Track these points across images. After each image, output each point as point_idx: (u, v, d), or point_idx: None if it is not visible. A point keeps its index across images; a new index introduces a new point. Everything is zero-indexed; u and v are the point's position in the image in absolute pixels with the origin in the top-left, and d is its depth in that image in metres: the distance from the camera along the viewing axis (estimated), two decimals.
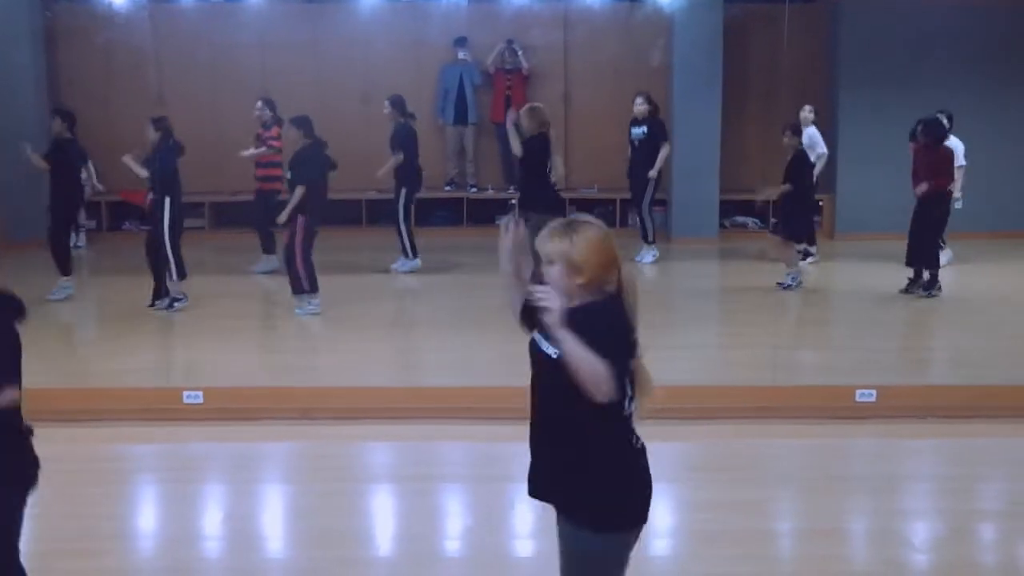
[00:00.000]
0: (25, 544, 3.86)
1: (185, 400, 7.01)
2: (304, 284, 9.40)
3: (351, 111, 13.65)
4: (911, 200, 11.85)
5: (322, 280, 9.60)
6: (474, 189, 14.17)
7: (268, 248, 11.38)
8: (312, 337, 9.27)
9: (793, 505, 5.88)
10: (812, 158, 11.14)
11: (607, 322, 3.21)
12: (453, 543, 5.47)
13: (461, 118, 13.92)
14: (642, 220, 11.87)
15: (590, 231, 3.28)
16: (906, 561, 5.19)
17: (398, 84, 13.72)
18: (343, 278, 9.90)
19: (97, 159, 13.69)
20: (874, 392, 7.03)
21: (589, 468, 3.28)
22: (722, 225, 13.56)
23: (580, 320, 3.13)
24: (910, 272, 10.20)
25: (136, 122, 13.68)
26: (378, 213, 13.31)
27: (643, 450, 3.37)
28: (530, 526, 5.66)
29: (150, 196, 9.54)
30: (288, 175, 9.54)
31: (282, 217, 9.34)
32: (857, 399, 7.02)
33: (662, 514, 5.95)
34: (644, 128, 11.65)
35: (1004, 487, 6.23)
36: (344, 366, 8.16)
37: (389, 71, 13.84)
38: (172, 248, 9.39)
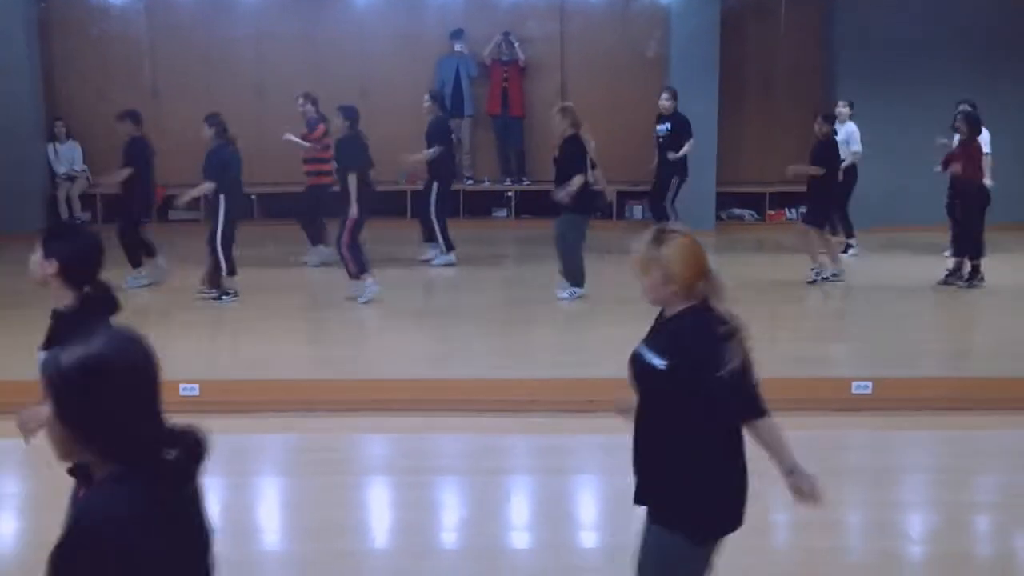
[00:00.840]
0: (20, 539, 3.86)
1: (181, 392, 6.99)
2: (352, 269, 9.51)
3: (348, 103, 13.60)
4: (908, 191, 11.87)
5: (325, 271, 9.58)
6: (470, 181, 14.14)
7: (316, 239, 11.35)
8: (306, 330, 9.26)
9: (789, 496, 5.88)
10: (846, 154, 11.25)
11: (706, 341, 3.29)
12: (449, 535, 5.47)
13: (457, 110, 13.88)
14: (665, 215, 11.95)
15: (679, 240, 3.38)
16: (902, 552, 5.19)
17: (394, 76, 13.73)
18: (339, 271, 9.89)
19: (92, 151, 13.70)
20: (870, 384, 7.03)
21: (695, 478, 3.36)
22: (719, 217, 13.55)
23: (676, 336, 3.33)
24: (948, 264, 10.29)
25: None
26: (377, 205, 13.25)
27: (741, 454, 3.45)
28: (526, 518, 5.66)
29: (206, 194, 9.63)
30: (335, 164, 9.57)
31: (354, 210, 9.37)
32: (853, 391, 7.02)
33: None
34: (668, 124, 11.65)
35: (1000, 479, 6.23)
36: (340, 359, 8.15)
37: (385, 63, 13.82)
38: (224, 244, 9.45)
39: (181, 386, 7.03)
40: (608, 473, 6.28)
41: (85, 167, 13.57)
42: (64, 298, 3.61)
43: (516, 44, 13.79)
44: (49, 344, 3.61)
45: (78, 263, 3.62)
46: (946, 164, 10.46)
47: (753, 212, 13.95)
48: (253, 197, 13.48)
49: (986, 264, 10.30)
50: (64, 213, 13.30)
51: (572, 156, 9.44)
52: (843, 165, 11.11)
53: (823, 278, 10.29)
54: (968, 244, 10.21)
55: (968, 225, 10.20)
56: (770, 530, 5.48)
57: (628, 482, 6.16)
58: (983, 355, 8.37)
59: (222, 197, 9.43)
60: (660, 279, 3.34)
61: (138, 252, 10.23)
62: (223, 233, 9.46)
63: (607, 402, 7.12)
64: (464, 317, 9.42)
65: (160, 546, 2.19)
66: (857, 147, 11.62)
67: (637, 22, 14.03)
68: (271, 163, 12.36)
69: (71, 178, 13.44)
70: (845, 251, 11.38)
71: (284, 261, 11.24)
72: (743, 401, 3.35)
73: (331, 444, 6.59)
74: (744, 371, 3.31)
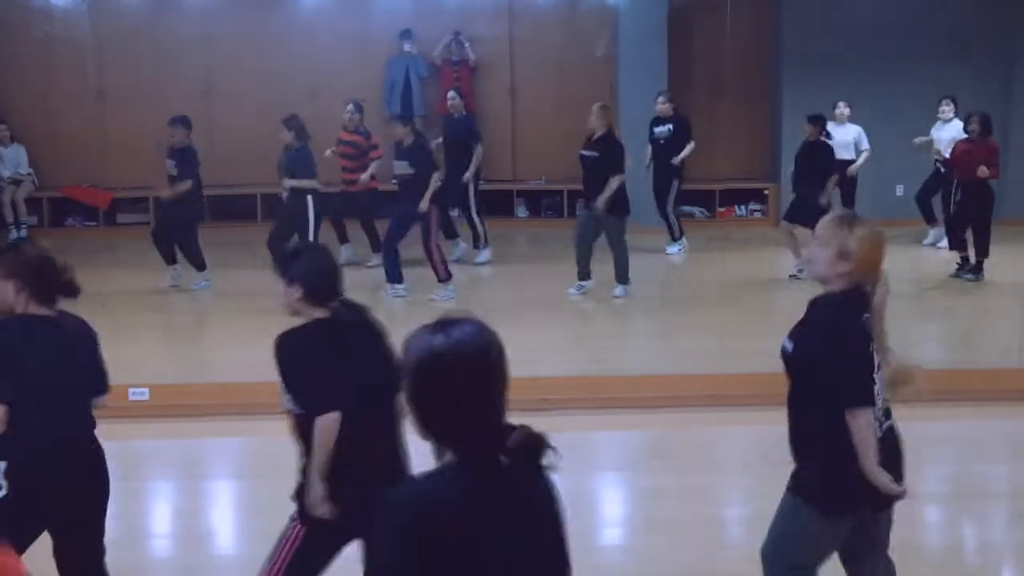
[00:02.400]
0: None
1: (131, 397, 6.93)
2: (441, 272, 9.61)
3: (297, 105, 13.49)
4: (859, 185, 11.99)
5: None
6: None
7: (345, 238, 11.43)
8: (250, 332, 9.19)
9: (745, 491, 5.93)
10: (857, 154, 11.61)
11: (836, 322, 3.49)
12: None
13: (408, 111, 13.81)
14: (667, 219, 12.05)
15: (870, 228, 3.52)
16: None
17: (344, 77, 13.64)
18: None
19: (37, 155, 13.51)
20: None
21: (817, 454, 3.53)
22: None
23: (815, 313, 3.54)
24: (957, 257, 10.46)
25: (76, 116, 13.58)
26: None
27: (884, 438, 3.53)
28: None
29: (285, 194, 9.79)
30: (411, 170, 9.64)
31: (424, 205, 9.49)
32: None
33: (615, 502, 5.99)
34: (670, 126, 11.66)
35: (950, 470, 6.31)
36: None
37: (335, 64, 13.74)
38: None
39: (130, 391, 6.96)
40: (562, 472, 6.28)
41: (30, 170, 13.37)
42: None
43: (466, 44, 13.78)
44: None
45: (321, 281, 3.64)
46: (952, 164, 10.59)
47: (703, 209, 14.04)
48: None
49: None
50: (9, 217, 13.10)
51: (612, 156, 9.45)
52: (857, 165, 11.56)
53: (791, 275, 10.41)
54: (985, 242, 10.30)
55: (983, 224, 10.29)
56: (727, 524, 5.53)
57: (581, 481, 6.18)
58: (949, 347, 8.49)
59: (310, 197, 9.52)
60: (836, 254, 3.47)
61: (201, 255, 10.24)
62: (313, 233, 9.62)
63: (561, 401, 7.18)
64: (418, 317, 9.39)
65: (470, 540, 2.20)
66: (866, 146, 11.83)
67: (585, 22, 14.07)
68: (221, 165, 12.23)
69: (16, 182, 13.23)
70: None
71: (244, 263, 11.06)
72: (849, 390, 3.46)
73: (282, 447, 6.53)
74: (862, 363, 3.47)
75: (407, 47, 13.72)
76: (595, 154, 9.51)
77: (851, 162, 11.64)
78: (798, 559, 3.69)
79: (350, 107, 11.26)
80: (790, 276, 10.39)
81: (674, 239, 12.06)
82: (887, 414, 3.63)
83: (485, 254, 11.62)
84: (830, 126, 11.10)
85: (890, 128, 12.33)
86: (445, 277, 9.64)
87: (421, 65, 13.81)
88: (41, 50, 13.63)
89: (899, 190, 12.86)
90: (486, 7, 14.15)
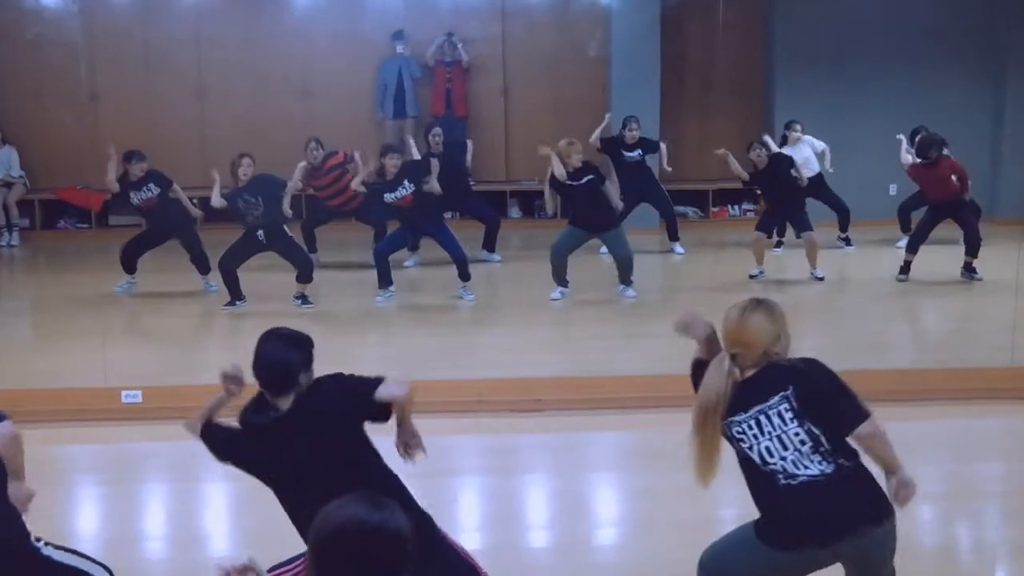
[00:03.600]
0: None
1: (123, 400, 6.91)
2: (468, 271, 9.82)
3: (290, 105, 13.52)
4: (846, 185, 12.02)
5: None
6: None
7: (314, 247, 11.31)
8: (243, 333, 9.17)
9: (740, 492, 5.90)
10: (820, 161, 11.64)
11: None
12: None
13: (400, 112, 13.85)
14: (675, 217, 12.23)
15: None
16: None
17: (336, 78, 13.65)
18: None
19: (29, 157, 13.48)
20: None
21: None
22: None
23: None
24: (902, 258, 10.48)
25: (68, 117, 13.54)
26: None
27: (793, 488, 3.77)
28: (475, 519, 5.66)
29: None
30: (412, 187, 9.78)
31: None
32: None
33: (610, 503, 5.98)
34: (639, 150, 11.71)
35: (943, 469, 6.31)
36: None
37: (327, 65, 13.73)
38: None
39: (123, 393, 6.95)
40: (555, 472, 6.29)
41: (22, 173, 13.35)
42: None
43: (459, 45, 13.77)
44: None
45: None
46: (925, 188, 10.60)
47: (697, 209, 14.04)
48: (195, 201, 13.35)
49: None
50: (1, 220, 13.07)
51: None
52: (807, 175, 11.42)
53: (751, 276, 10.51)
54: (977, 244, 10.30)
55: (976, 228, 10.33)
56: (724, 525, 5.52)
57: (577, 481, 6.17)
58: (942, 346, 8.49)
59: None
60: None
61: (207, 257, 10.26)
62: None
63: (554, 401, 7.18)
64: (409, 319, 9.39)
65: None
66: (821, 145, 11.97)
67: (578, 22, 14.07)
68: (213, 166, 12.19)
69: (7, 184, 13.21)
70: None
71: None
72: None
73: None
74: None
75: (400, 48, 13.71)
76: (591, 176, 9.58)
77: (820, 175, 11.78)
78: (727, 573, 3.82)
79: (311, 143, 11.06)
80: (750, 276, 10.56)
81: (677, 238, 12.13)
82: (792, 476, 3.76)
83: (497, 254, 11.73)
84: (785, 149, 11.35)
85: (882, 127, 12.33)
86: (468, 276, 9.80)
87: (414, 66, 13.80)
88: (32, 51, 13.60)
89: (892, 189, 12.87)
90: (479, 8, 14.14)
